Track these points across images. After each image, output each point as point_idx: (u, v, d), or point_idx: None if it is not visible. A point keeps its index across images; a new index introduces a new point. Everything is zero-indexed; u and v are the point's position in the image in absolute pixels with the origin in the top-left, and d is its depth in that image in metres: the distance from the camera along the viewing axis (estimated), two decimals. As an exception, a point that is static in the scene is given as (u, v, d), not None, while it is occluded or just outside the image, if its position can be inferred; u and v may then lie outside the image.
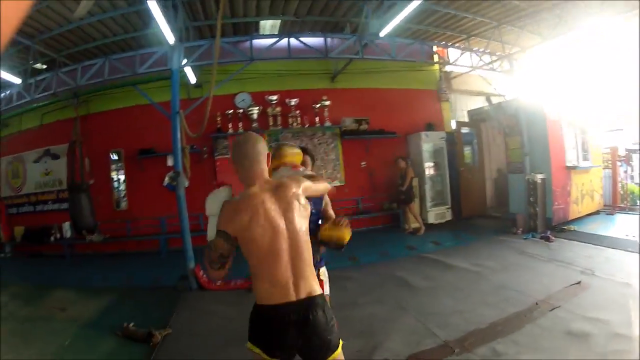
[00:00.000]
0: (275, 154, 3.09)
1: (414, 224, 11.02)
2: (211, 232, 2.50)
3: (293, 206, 2.41)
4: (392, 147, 12.05)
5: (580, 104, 10.79)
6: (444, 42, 12.15)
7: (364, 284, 6.72)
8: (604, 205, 11.52)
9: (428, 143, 11.85)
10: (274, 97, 11.28)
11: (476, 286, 6.19)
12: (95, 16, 8.62)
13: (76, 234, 10.81)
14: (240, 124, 11.08)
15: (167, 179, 7.49)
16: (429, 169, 11.87)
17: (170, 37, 7.66)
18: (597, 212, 11.09)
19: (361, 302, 5.92)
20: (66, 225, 11.02)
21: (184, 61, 8.39)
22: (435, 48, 12.36)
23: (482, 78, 13.62)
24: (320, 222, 3.37)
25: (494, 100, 13.30)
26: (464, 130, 12.96)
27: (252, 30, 10.66)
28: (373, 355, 4.22)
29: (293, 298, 2.27)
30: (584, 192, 10.58)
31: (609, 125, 12.47)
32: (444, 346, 4.29)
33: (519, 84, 11.50)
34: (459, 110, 13.64)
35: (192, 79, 10.51)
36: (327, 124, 11.61)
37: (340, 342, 2.40)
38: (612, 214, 10.83)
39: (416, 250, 9.04)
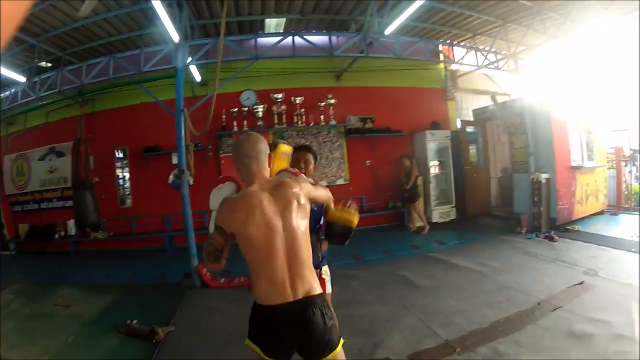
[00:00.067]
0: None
1: (419, 223, 11.02)
2: (212, 226, 2.56)
3: (291, 205, 2.38)
4: (397, 145, 12.03)
5: (585, 103, 10.74)
6: (449, 41, 12.16)
7: (367, 283, 6.73)
8: (609, 206, 11.47)
9: (433, 142, 11.80)
10: (279, 95, 11.27)
11: (479, 286, 6.17)
12: (100, 15, 8.66)
13: (81, 231, 10.87)
14: (245, 122, 11.10)
15: (171, 177, 7.51)
16: (433, 168, 11.82)
17: (174, 36, 7.70)
18: (601, 212, 11.04)
19: (364, 300, 5.93)
20: (71, 223, 11.06)
21: (189, 59, 8.43)
22: (440, 47, 12.33)
23: (487, 77, 13.58)
24: (321, 221, 3.38)
25: (499, 99, 13.25)
26: (469, 129, 12.93)
27: (258, 28, 10.68)
28: (374, 353, 4.21)
29: (290, 298, 2.26)
30: (589, 192, 10.53)
31: (613, 125, 12.40)
32: (445, 345, 4.29)
33: (524, 83, 11.48)
34: (464, 109, 13.59)
35: (197, 77, 10.54)
36: (332, 122, 11.57)
37: (341, 340, 2.39)
38: (617, 214, 10.79)
39: (420, 250, 9.03)
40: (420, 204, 11.11)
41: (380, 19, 9.11)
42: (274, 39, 9.21)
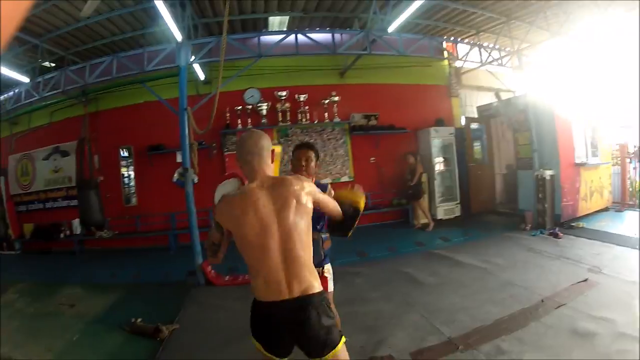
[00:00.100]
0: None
1: (423, 220, 11.01)
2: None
3: (289, 204, 2.35)
4: (401, 142, 12.01)
5: (589, 100, 10.69)
6: (453, 38, 12.13)
7: (371, 280, 6.73)
8: (613, 202, 11.41)
9: (437, 139, 11.79)
10: (283, 93, 11.29)
11: (483, 283, 6.16)
12: (103, 14, 8.69)
13: (86, 230, 10.91)
14: (249, 120, 11.12)
15: (176, 175, 7.55)
16: (438, 165, 11.82)
17: (177, 35, 7.72)
18: (606, 209, 10.99)
19: (368, 297, 5.94)
20: (76, 222, 11.11)
21: (192, 58, 8.44)
22: (444, 44, 12.29)
23: (491, 74, 13.53)
24: (324, 219, 3.38)
25: (503, 96, 13.22)
26: (474, 125, 12.89)
27: (261, 26, 10.70)
28: (377, 351, 4.21)
29: (286, 296, 2.26)
30: (593, 188, 10.48)
31: (618, 122, 12.35)
32: (448, 343, 4.28)
33: (528, 79, 11.44)
34: (468, 106, 13.56)
35: (201, 75, 10.57)
36: (337, 119, 11.59)
37: (342, 339, 2.36)
38: (621, 211, 10.73)
39: (424, 246, 9.01)
40: (424, 201, 11.11)
41: (383, 16, 9.11)
42: (277, 37, 9.21)
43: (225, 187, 2.73)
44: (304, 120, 11.40)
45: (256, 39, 9.17)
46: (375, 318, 5.11)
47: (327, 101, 11.49)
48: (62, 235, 11.20)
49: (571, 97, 10.27)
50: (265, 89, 11.28)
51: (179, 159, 9.11)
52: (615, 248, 7.37)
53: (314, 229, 2.67)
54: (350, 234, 3.13)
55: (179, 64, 7.95)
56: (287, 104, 11.32)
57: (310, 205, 2.46)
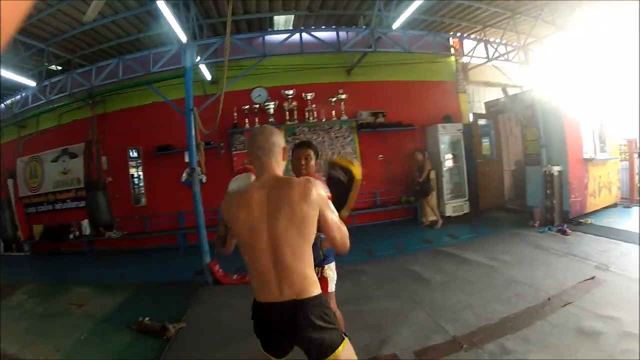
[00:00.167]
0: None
1: (432, 217, 10.97)
2: None
3: (281, 209, 2.23)
4: (409, 139, 11.98)
5: (597, 94, 10.59)
6: (459, 34, 12.09)
7: (378, 278, 6.74)
8: (622, 198, 11.29)
9: (445, 135, 11.74)
10: (290, 92, 11.30)
11: (490, 280, 6.15)
12: (108, 17, 8.75)
13: (95, 231, 11.00)
14: (256, 119, 11.12)
15: (185, 175, 7.64)
16: (446, 162, 11.78)
17: (182, 36, 7.75)
18: (614, 205, 10.87)
19: (374, 295, 5.96)
20: (85, 223, 11.21)
21: (197, 59, 8.47)
22: (450, 40, 12.24)
23: (498, 69, 13.46)
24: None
25: (510, 91, 13.16)
26: (481, 122, 12.82)
27: (266, 26, 10.71)
28: (381, 349, 4.22)
29: (278, 299, 2.23)
30: (601, 184, 10.38)
31: (626, 117, 12.22)
32: (453, 342, 4.28)
33: (535, 74, 11.38)
34: (475, 101, 13.51)
35: (208, 75, 10.60)
36: (344, 117, 11.59)
37: (345, 341, 2.30)
38: (630, 207, 10.63)
39: (432, 244, 8.99)
40: (433, 198, 11.09)
41: (387, 13, 9.10)
42: (281, 36, 9.22)
43: (238, 182, 2.74)
44: (311, 118, 11.41)
45: (261, 38, 9.19)
46: (380, 316, 5.11)
47: (334, 99, 11.48)
48: (71, 236, 11.32)
49: (578, 91, 10.17)
50: (272, 87, 11.28)
51: (187, 159, 9.17)
52: (623, 245, 7.31)
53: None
54: (346, 213, 3.01)
55: (185, 65, 7.99)
56: (295, 103, 11.33)
57: (309, 212, 2.24)
